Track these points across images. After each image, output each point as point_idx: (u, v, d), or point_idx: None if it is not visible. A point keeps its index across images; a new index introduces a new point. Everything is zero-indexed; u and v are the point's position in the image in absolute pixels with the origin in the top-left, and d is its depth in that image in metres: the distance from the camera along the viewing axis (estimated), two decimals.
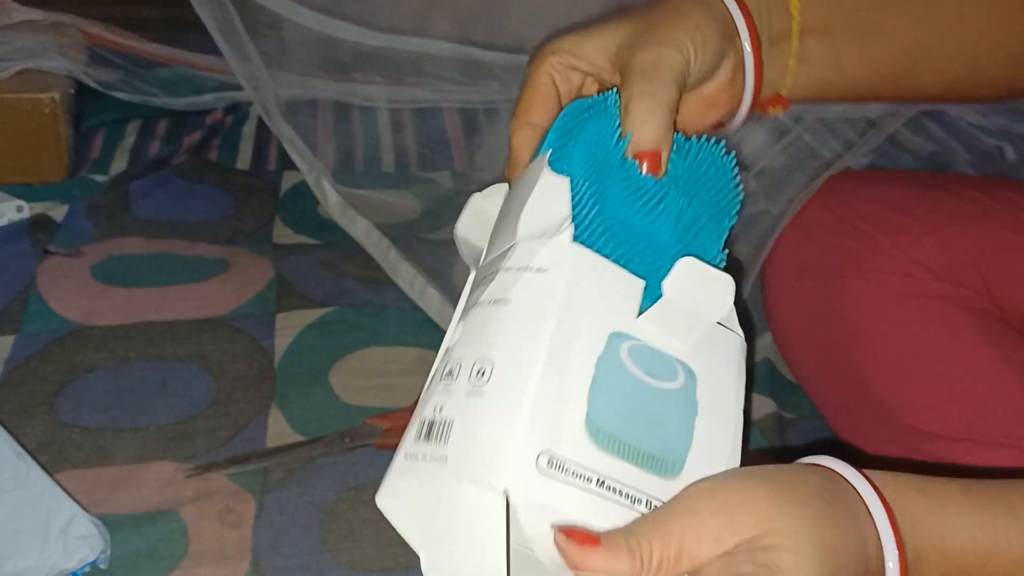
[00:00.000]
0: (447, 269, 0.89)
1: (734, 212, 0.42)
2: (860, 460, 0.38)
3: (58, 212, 0.97)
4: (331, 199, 0.98)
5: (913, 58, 0.52)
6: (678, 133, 0.43)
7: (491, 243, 0.42)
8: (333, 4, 1.17)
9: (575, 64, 0.48)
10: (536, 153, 0.44)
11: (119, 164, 1.08)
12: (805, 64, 0.50)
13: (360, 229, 0.95)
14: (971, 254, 0.68)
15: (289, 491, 0.68)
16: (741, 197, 0.43)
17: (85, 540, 0.60)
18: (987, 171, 1.19)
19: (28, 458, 0.65)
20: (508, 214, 0.41)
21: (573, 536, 0.33)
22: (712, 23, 0.46)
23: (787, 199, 0.76)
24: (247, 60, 1.00)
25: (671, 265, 0.37)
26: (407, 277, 0.88)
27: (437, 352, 0.44)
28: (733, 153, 0.44)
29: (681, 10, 0.45)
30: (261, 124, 1.15)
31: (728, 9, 0.47)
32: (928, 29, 0.52)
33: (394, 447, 0.73)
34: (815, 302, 0.70)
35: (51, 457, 0.69)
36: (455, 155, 1.16)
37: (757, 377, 0.81)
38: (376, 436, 0.73)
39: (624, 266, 0.38)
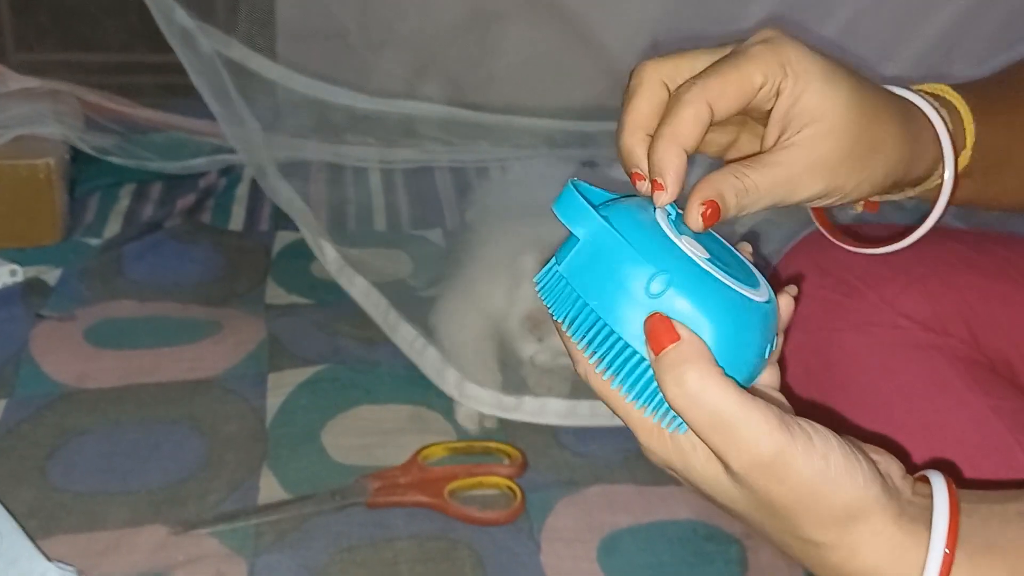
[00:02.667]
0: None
1: None
2: None
3: (52, 276, 0.97)
4: (329, 257, 0.99)
5: None
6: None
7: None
8: (325, 69, 1.19)
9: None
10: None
11: (113, 228, 1.09)
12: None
13: (358, 288, 0.96)
14: (956, 304, 0.68)
15: (281, 553, 0.68)
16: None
17: None
18: (971, 223, 1.20)
19: (1, 530, 0.65)
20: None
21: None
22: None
23: (771, 251, 0.77)
24: (240, 124, 1.02)
25: None
26: (408, 338, 0.89)
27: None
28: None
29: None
30: (254, 185, 1.17)
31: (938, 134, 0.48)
32: None
33: (386, 505, 0.73)
34: (803, 354, 0.71)
35: (42, 522, 0.69)
36: (446, 213, 1.18)
37: None
38: (367, 494, 0.73)
39: None
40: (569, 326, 0.38)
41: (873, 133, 0.42)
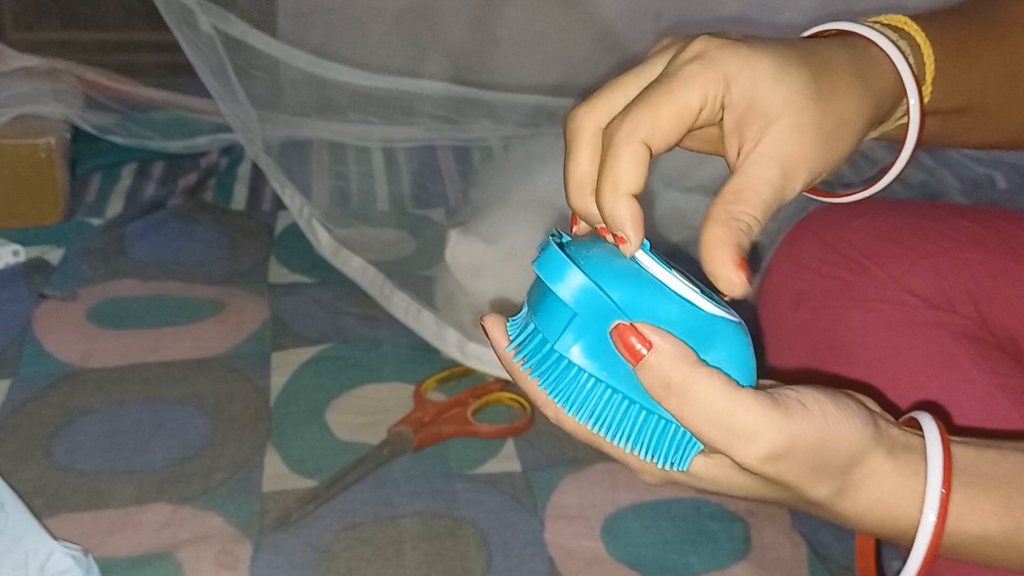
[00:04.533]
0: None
1: None
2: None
3: (54, 256, 0.97)
4: (323, 240, 0.98)
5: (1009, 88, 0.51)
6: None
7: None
8: (326, 46, 1.18)
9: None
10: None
11: (115, 207, 1.09)
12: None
13: (354, 267, 0.95)
14: (963, 281, 0.68)
15: (286, 531, 0.68)
16: None
17: (63, 575, 0.60)
18: (978, 199, 1.20)
19: (6, 507, 0.65)
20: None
21: None
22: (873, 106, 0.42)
23: (776, 228, 0.77)
24: (237, 103, 1.02)
25: None
26: (402, 305, 0.89)
27: None
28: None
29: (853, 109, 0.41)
30: (256, 165, 1.16)
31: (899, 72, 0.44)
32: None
33: (430, 443, 0.76)
34: (810, 331, 0.71)
35: (47, 501, 0.69)
36: (449, 192, 1.17)
37: None
38: (409, 441, 0.76)
39: None
40: (564, 401, 0.37)
41: (837, 107, 0.40)
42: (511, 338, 0.39)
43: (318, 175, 1.16)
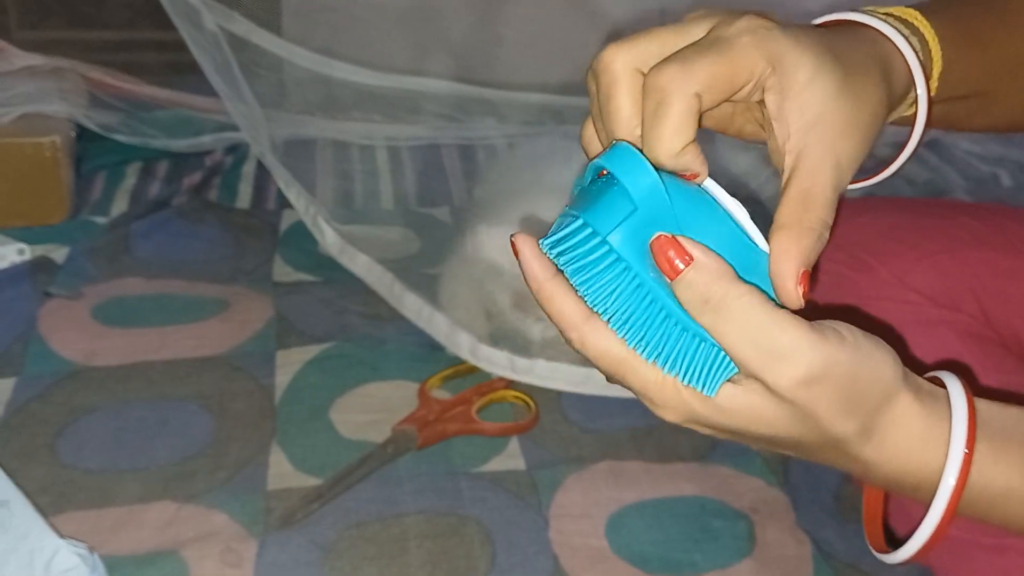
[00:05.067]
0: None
1: None
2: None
3: (59, 254, 0.97)
4: (329, 238, 0.98)
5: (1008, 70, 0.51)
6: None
7: None
8: (331, 45, 1.18)
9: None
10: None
11: (120, 206, 1.09)
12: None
13: (361, 265, 0.95)
14: (967, 280, 0.68)
15: (290, 529, 0.68)
16: None
17: (69, 572, 0.60)
18: (983, 197, 1.19)
19: (11, 505, 0.66)
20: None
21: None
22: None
23: None
24: (243, 102, 1.02)
25: None
26: (413, 307, 0.89)
27: None
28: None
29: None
30: (260, 164, 1.16)
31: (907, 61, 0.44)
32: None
33: (434, 442, 0.76)
34: None
35: (52, 499, 0.69)
36: (454, 191, 1.17)
37: None
38: (414, 439, 0.76)
39: None
40: (598, 301, 0.36)
41: (868, 104, 0.40)
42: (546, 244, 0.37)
43: (322, 174, 1.16)
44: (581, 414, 0.82)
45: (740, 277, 0.35)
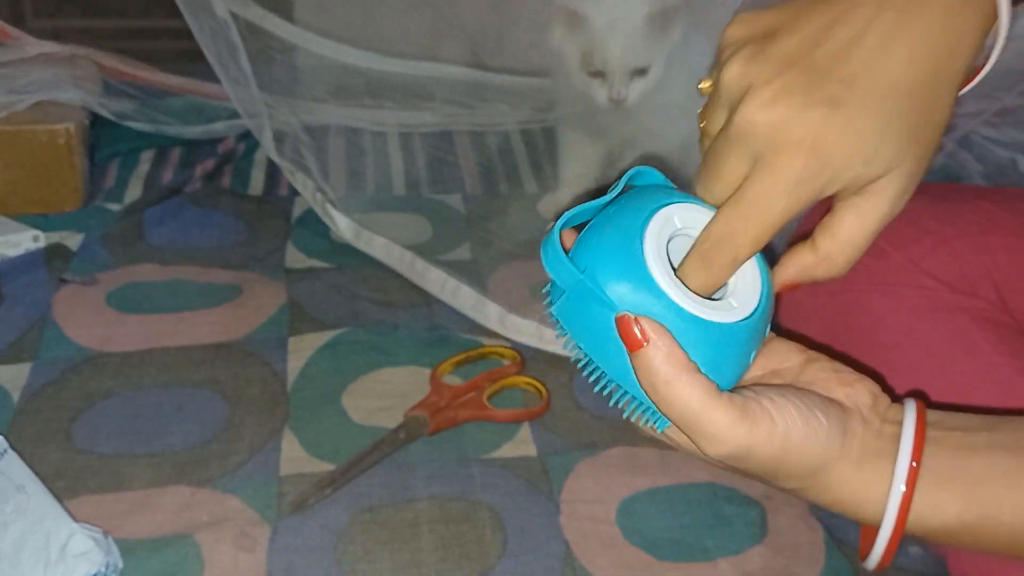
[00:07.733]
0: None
1: None
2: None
3: (73, 241, 0.98)
4: (341, 224, 0.98)
5: None
6: None
7: None
8: (343, 31, 1.18)
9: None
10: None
11: (133, 193, 1.09)
12: None
13: (379, 247, 0.95)
14: (984, 265, 0.67)
15: (303, 514, 0.68)
16: None
17: (84, 556, 0.61)
18: (1000, 183, 1.18)
19: (28, 490, 0.66)
20: None
21: None
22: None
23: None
24: (248, 92, 1.02)
25: None
26: (438, 281, 0.89)
27: None
28: None
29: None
30: None
31: None
32: None
33: (449, 426, 0.77)
34: (826, 316, 0.70)
35: (68, 483, 0.69)
36: (466, 178, 1.17)
37: None
38: (425, 425, 0.76)
39: None
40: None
41: (931, 140, 0.42)
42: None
43: (334, 160, 1.16)
44: (593, 400, 0.82)
45: (687, 353, 0.39)
